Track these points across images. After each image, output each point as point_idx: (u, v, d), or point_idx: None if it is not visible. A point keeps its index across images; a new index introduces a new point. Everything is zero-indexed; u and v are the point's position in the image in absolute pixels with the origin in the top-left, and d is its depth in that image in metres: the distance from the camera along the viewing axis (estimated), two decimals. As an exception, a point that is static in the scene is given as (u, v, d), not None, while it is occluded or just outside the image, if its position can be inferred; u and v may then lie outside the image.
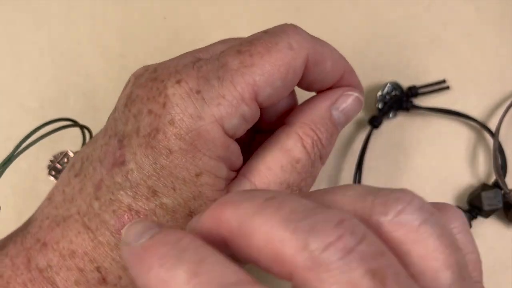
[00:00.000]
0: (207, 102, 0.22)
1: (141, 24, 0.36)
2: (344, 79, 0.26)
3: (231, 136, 0.23)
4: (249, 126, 0.24)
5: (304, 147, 0.25)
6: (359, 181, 0.33)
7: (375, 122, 0.33)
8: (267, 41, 0.23)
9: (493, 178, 0.33)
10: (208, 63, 0.23)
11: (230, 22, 0.36)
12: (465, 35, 0.35)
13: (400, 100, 0.33)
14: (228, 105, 0.22)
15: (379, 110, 0.33)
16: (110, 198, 0.23)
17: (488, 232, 0.33)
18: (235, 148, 0.24)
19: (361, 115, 0.34)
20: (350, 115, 0.26)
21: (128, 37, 0.36)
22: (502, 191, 0.31)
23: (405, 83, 0.34)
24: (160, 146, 0.22)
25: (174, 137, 0.22)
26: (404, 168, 0.33)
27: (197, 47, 0.25)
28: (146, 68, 0.25)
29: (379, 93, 0.33)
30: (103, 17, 0.36)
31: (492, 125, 0.33)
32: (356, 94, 0.26)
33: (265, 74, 0.23)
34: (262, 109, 0.24)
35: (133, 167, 0.22)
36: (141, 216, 0.23)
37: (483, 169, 0.33)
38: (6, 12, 0.36)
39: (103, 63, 0.35)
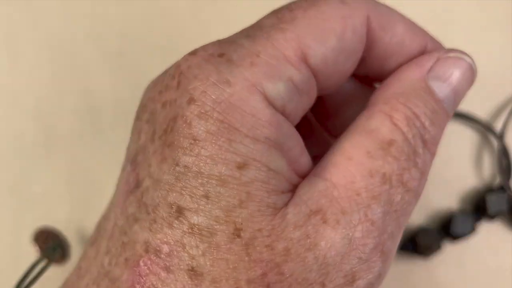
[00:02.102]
0: (235, 62, 0.16)
1: (140, 22, 0.36)
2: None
3: (280, 111, 0.16)
4: (304, 102, 0.17)
5: (395, 124, 0.17)
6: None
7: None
8: None
9: (497, 181, 0.33)
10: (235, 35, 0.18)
11: (232, 20, 0.36)
12: (468, 35, 0.35)
13: (403, 100, 0.33)
14: (266, 63, 0.16)
15: (382, 111, 0.33)
16: (123, 242, 0.16)
17: (492, 235, 0.32)
18: (292, 131, 0.17)
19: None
20: (459, 88, 0.19)
21: (127, 35, 0.35)
22: (507, 194, 0.31)
23: (409, 84, 0.33)
24: (180, 137, 0.15)
25: (196, 118, 0.15)
26: (407, 170, 0.33)
27: (198, 46, 0.25)
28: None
29: (382, 93, 0.33)
30: (102, 15, 0.36)
31: (497, 127, 0.33)
32: (463, 57, 0.20)
33: (312, 29, 0.17)
34: (323, 96, 0.18)
35: (148, 185, 0.16)
36: (163, 257, 0.15)
37: (487, 171, 0.33)
38: (3, 10, 0.36)
39: (101, 61, 0.35)
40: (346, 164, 0.17)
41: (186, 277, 0.15)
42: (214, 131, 0.15)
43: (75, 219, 0.32)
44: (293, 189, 0.16)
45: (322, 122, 0.22)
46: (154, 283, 0.15)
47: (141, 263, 0.15)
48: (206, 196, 0.15)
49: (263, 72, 0.16)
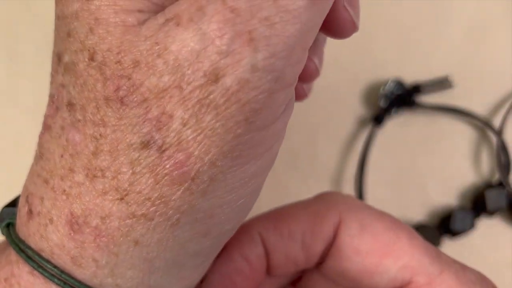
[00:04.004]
0: None
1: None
2: None
3: None
4: None
5: None
6: (362, 181, 0.32)
7: (377, 119, 0.33)
8: None
9: (496, 177, 0.33)
10: None
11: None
12: (468, 31, 0.35)
13: (402, 97, 0.33)
14: None
15: (381, 107, 0.33)
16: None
17: (491, 231, 0.32)
18: None
19: (363, 113, 0.34)
20: None
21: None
22: (506, 190, 0.31)
23: (408, 79, 0.33)
24: None
25: None
26: (407, 166, 0.33)
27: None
28: None
29: (381, 90, 0.33)
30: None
31: (496, 123, 0.33)
32: None
33: None
34: None
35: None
36: (54, 100, 0.18)
37: (486, 168, 0.33)
38: (2, 9, 0.36)
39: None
40: None
41: (66, 110, 0.17)
42: None
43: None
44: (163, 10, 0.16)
45: None
46: (49, 122, 0.18)
47: (46, 115, 0.18)
48: (69, 35, 0.16)
49: None
